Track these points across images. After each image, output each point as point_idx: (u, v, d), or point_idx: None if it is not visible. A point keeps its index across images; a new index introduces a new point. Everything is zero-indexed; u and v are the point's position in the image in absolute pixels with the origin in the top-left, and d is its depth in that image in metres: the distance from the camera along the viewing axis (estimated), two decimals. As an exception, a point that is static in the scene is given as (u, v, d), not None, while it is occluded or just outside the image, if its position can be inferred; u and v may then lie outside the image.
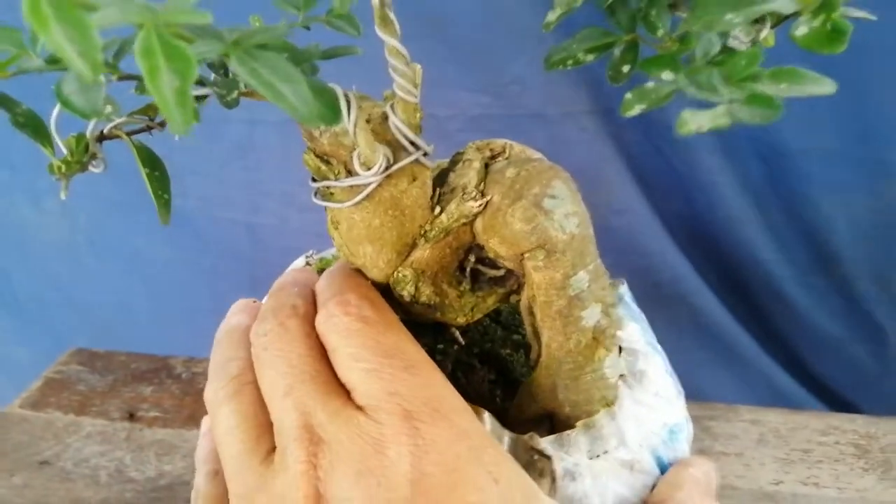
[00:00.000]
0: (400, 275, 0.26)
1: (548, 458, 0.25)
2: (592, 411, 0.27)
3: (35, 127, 0.23)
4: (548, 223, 0.24)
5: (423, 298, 0.27)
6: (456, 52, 0.62)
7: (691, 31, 0.18)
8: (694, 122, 0.17)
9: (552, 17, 0.23)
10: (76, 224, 0.77)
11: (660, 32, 0.19)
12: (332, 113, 0.21)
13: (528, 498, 0.23)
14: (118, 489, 0.40)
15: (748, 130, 0.62)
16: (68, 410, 0.46)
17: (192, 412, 0.45)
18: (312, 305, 0.26)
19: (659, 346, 0.32)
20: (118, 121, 0.24)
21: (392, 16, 0.22)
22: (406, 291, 0.26)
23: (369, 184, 0.24)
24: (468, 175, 0.25)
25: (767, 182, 0.65)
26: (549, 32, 0.27)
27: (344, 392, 0.23)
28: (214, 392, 0.26)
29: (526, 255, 0.25)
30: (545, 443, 0.26)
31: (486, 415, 0.25)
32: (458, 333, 0.32)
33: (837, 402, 0.72)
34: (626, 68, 0.19)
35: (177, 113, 0.15)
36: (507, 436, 0.25)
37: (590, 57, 0.21)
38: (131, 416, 0.45)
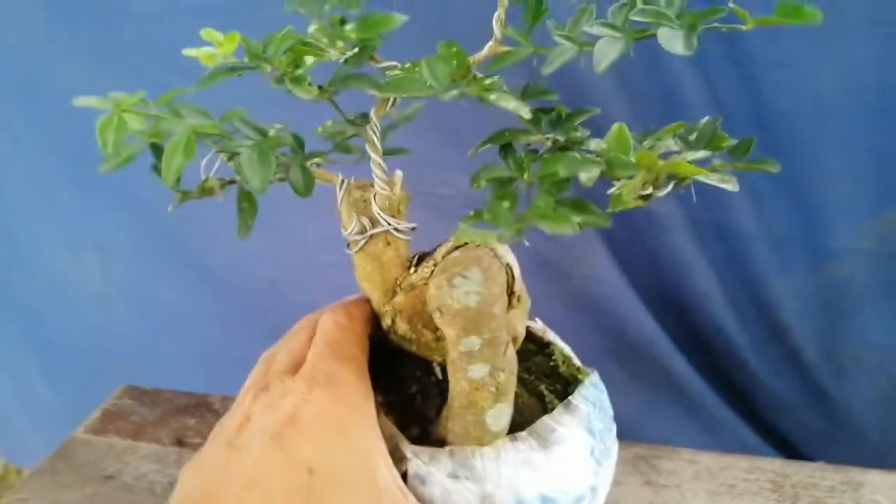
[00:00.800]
0: (384, 308, 0.38)
1: (404, 457, 0.35)
2: (464, 444, 0.35)
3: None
4: (447, 293, 0.34)
5: (400, 332, 0.38)
6: (455, 139, 0.72)
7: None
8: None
9: (470, 152, 0.36)
10: (110, 276, 0.88)
11: (525, 175, 0.31)
12: (305, 192, 0.35)
13: (365, 459, 0.33)
14: (173, 499, 0.51)
15: (711, 216, 0.74)
16: (125, 436, 0.57)
17: (230, 440, 0.56)
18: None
19: (604, 435, 0.38)
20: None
21: (378, 143, 0.35)
22: (385, 322, 0.38)
23: (358, 240, 0.37)
24: (439, 253, 0.37)
25: (727, 261, 0.75)
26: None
27: None
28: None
29: (433, 313, 0.35)
30: (411, 448, 0.35)
31: (387, 419, 0.37)
32: (437, 369, 0.42)
33: (796, 453, 0.81)
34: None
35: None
36: (397, 434, 0.36)
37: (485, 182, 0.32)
38: (179, 442, 0.56)
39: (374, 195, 0.36)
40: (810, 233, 0.72)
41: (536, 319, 0.45)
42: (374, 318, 0.39)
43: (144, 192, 0.82)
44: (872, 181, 0.68)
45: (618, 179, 0.29)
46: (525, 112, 0.27)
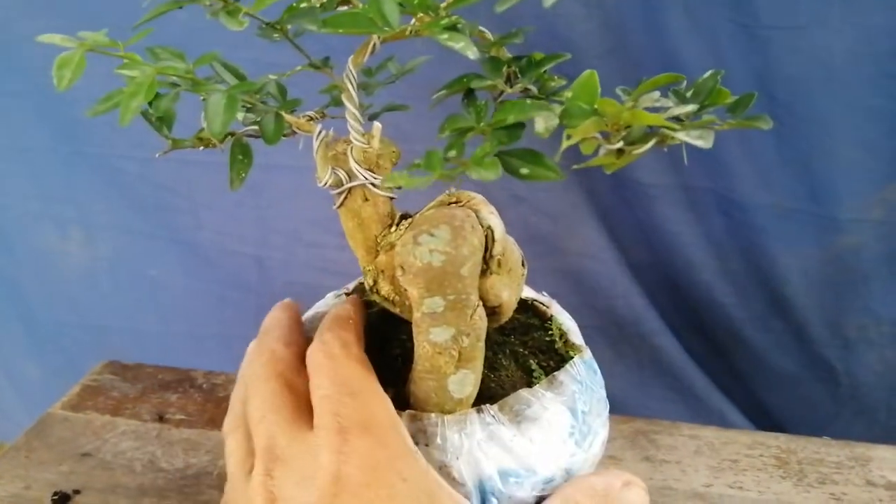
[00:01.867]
0: (367, 268, 0.36)
1: None
2: (426, 410, 0.34)
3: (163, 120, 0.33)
4: (410, 250, 0.32)
5: (383, 292, 0.36)
6: (446, 110, 0.71)
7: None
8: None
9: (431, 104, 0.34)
10: (97, 252, 0.86)
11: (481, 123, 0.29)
12: (272, 139, 0.32)
13: (431, 493, 0.30)
14: (151, 477, 0.48)
15: (712, 186, 0.72)
16: (104, 412, 0.55)
17: (212, 416, 0.54)
18: (292, 345, 0.35)
19: (589, 417, 0.36)
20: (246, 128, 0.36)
21: (353, 93, 0.32)
22: (367, 282, 0.36)
23: (335, 195, 0.35)
24: (421, 211, 0.35)
25: (727, 234, 0.73)
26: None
27: (310, 418, 0.31)
28: (226, 425, 0.35)
29: (396, 270, 0.33)
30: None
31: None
32: None
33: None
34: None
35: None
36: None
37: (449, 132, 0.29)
38: (160, 418, 0.54)
39: (351, 148, 0.34)
40: (817, 203, 0.70)
41: (543, 293, 0.43)
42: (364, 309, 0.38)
43: (130, 165, 0.80)
44: (883, 150, 0.66)
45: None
46: (472, 53, 0.24)
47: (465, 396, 0.34)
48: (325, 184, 0.34)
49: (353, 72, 0.33)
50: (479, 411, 0.34)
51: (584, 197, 0.74)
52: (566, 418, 0.34)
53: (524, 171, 0.26)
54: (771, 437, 0.51)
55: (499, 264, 0.34)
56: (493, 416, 0.34)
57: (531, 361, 0.39)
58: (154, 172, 0.80)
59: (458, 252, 0.32)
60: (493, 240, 0.34)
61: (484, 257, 0.33)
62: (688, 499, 0.46)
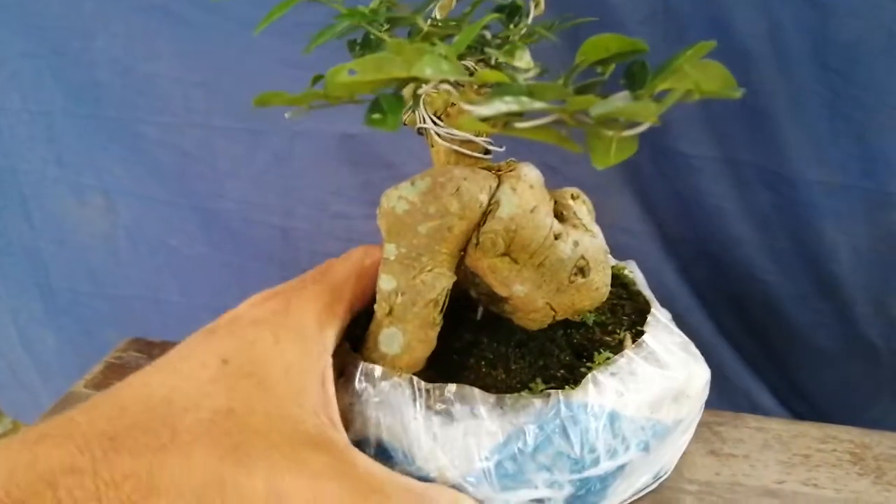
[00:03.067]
0: None
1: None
2: (370, 356, 0.34)
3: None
4: (387, 192, 0.32)
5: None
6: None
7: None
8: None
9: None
10: (117, 220, 0.81)
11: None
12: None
13: (283, 367, 0.29)
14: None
15: (758, 161, 0.67)
16: (130, 393, 0.51)
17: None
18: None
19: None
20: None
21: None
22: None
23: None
24: None
25: (773, 209, 0.69)
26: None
27: None
28: None
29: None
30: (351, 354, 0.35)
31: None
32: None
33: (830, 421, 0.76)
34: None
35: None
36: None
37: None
38: (189, 400, 0.50)
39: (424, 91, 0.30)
40: (869, 178, 0.65)
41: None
42: None
43: (152, 130, 0.75)
44: (944, 121, 0.61)
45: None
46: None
47: (392, 354, 0.32)
48: (403, 121, 0.32)
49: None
50: (410, 381, 0.32)
51: (620, 167, 0.69)
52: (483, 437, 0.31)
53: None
54: (843, 431, 0.46)
55: (505, 248, 0.31)
56: (413, 391, 0.31)
57: (562, 354, 0.36)
58: (176, 138, 0.75)
59: (424, 208, 0.31)
60: (493, 216, 0.31)
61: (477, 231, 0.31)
62: (760, 496, 0.41)
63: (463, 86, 0.27)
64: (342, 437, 0.29)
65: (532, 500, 0.31)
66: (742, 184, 0.68)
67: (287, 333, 0.30)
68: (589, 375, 0.32)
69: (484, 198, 0.31)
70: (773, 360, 0.78)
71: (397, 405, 0.31)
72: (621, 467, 0.32)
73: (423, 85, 0.23)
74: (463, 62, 0.27)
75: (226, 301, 0.82)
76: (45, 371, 0.93)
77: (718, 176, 0.68)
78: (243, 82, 0.69)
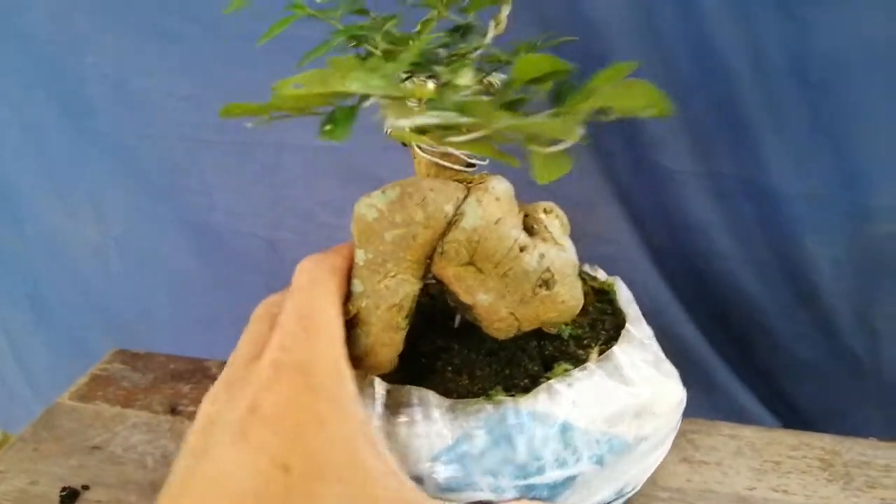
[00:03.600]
0: None
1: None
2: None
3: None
4: (361, 199, 0.34)
5: None
6: None
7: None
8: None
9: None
10: (107, 232, 0.82)
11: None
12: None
13: (350, 444, 0.28)
14: (164, 472, 0.44)
15: (738, 172, 0.68)
16: (114, 403, 0.51)
17: (228, 409, 0.51)
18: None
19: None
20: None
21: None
22: None
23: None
24: None
25: (755, 221, 0.69)
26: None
27: None
28: None
29: None
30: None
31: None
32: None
33: (816, 429, 0.77)
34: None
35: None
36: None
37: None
38: (173, 411, 0.51)
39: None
40: (850, 190, 0.65)
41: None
42: None
43: (142, 144, 0.76)
44: (922, 133, 0.62)
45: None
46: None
47: (357, 355, 0.33)
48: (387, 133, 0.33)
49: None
50: (371, 382, 0.34)
51: (605, 181, 0.70)
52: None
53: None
54: (815, 438, 0.47)
55: (468, 258, 0.32)
56: (374, 392, 0.33)
57: (530, 365, 0.37)
58: (165, 152, 0.76)
59: (391, 216, 0.32)
60: (456, 226, 0.32)
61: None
62: (731, 502, 0.42)
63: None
64: (414, 490, 0.29)
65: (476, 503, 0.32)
66: (724, 196, 0.69)
67: (327, 412, 0.28)
68: (543, 385, 0.33)
69: (450, 209, 0.32)
70: (759, 370, 0.78)
71: (366, 406, 0.33)
72: (571, 478, 0.32)
73: (368, 98, 0.24)
74: (415, 77, 0.28)
75: (215, 312, 0.83)
76: (35, 382, 0.94)
77: (701, 189, 0.69)
78: (232, 96, 0.70)
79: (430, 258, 0.33)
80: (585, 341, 0.38)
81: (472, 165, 0.36)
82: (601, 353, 0.36)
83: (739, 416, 0.76)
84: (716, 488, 0.43)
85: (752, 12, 0.60)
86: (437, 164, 0.35)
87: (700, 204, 0.69)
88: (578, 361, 0.36)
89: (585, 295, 0.38)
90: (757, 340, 0.76)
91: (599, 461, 0.33)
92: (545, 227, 0.35)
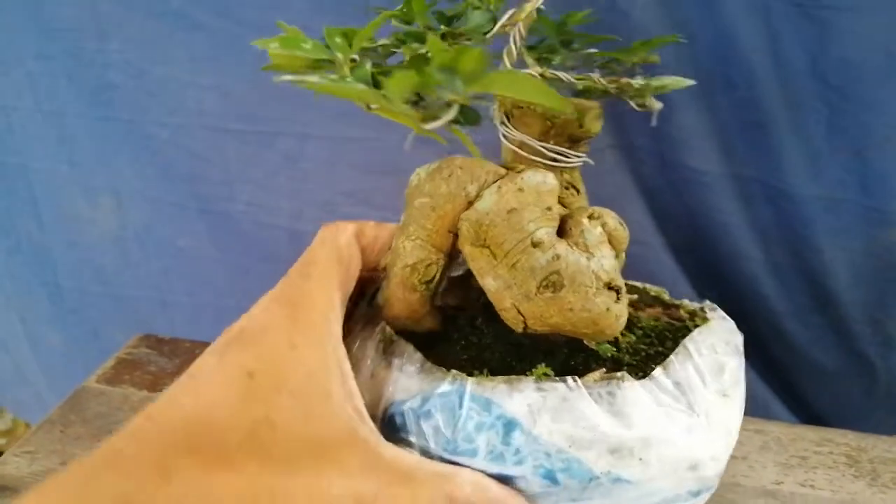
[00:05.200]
0: None
1: None
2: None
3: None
4: (417, 170, 0.36)
5: None
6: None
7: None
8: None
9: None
10: (126, 221, 0.82)
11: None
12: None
13: (316, 371, 0.30)
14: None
15: (760, 175, 0.68)
16: (141, 387, 0.52)
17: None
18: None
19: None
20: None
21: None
22: None
23: None
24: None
25: (774, 224, 0.70)
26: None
27: None
28: None
29: None
30: None
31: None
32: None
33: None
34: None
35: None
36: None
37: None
38: (200, 394, 0.51)
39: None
40: (867, 195, 0.66)
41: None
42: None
43: (163, 132, 0.76)
44: (941, 139, 0.62)
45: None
46: None
47: (379, 303, 0.37)
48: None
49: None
50: (382, 328, 0.36)
51: (631, 180, 0.71)
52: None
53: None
54: (839, 434, 0.47)
55: (477, 239, 0.33)
56: (377, 339, 0.36)
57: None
58: (187, 140, 0.76)
59: (423, 185, 0.34)
60: (472, 207, 0.34)
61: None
62: (758, 496, 0.42)
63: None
64: (368, 429, 0.31)
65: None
66: (745, 198, 0.70)
67: (301, 338, 0.31)
68: (513, 379, 0.32)
69: (472, 189, 0.33)
70: (777, 372, 0.78)
71: (371, 346, 0.36)
72: (509, 479, 0.32)
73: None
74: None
75: (232, 303, 0.83)
76: (49, 370, 0.94)
77: (724, 190, 0.69)
78: (254, 85, 0.70)
79: (454, 233, 0.34)
80: (625, 367, 0.35)
81: (556, 160, 0.37)
82: (601, 380, 0.33)
83: (764, 414, 0.76)
84: (743, 482, 0.44)
85: (773, 15, 0.61)
86: (515, 153, 0.37)
87: (722, 205, 0.70)
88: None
89: (633, 317, 0.38)
90: (774, 342, 0.76)
91: (550, 477, 0.32)
92: (581, 231, 0.34)
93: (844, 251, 0.70)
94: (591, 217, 0.35)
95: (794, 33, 0.61)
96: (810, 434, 0.47)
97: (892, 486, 0.43)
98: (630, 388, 0.32)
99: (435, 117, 0.25)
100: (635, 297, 0.43)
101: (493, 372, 0.34)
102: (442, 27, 0.36)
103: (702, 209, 0.71)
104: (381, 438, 0.31)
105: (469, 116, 0.25)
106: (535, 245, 0.33)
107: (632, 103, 0.38)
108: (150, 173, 0.79)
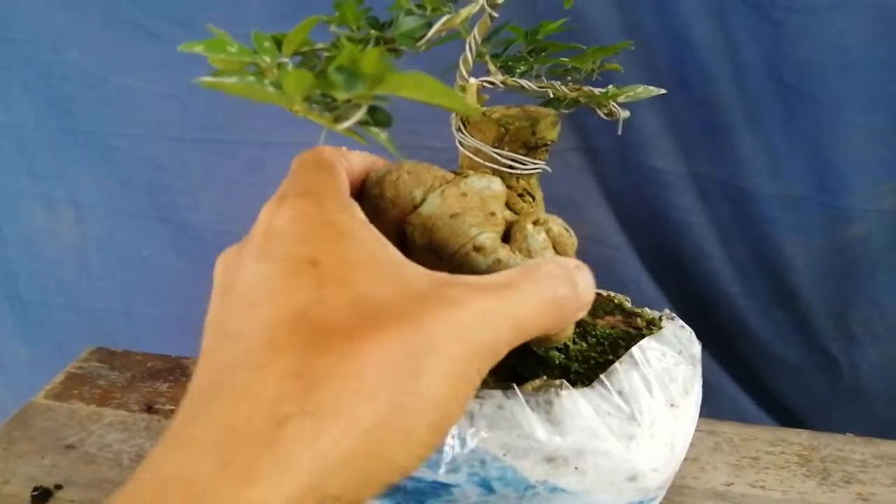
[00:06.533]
0: None
1: None
2: None
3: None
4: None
5: None
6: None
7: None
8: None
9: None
10: (87, 232, 0.81)
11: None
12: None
13: (370, 248, 0.26)
14: (139, 471, 0.44)
15: (719, 173, 0.68)
16: (90, 402, 0.50)
17: (205, 407, 0.50)
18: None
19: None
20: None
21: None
22: None
23: None
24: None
25: (734, 222, 0.70)
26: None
27: None
28: None
29: None
30: None
31: None
32: None
33: (798, 424, 0.77)
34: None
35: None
36: None
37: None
38: (149, 409, 0.50)
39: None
40: (825, 192, 0.66)
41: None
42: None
43: (122, 142, 0.75)
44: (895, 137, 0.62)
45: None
46: None
47: None
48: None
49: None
50: None
51: (594, 182, 0.71)
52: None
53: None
54: (793, 434, 0.47)
55: (423, 242, 0.33)
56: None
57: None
58: (147, 150, 0.75)
59: (374, 187, 0.34)
60: (416, 211, 0.33)
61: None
62: (707, 498, 0.42)
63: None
64: (441, 272, 0.27)
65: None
66: (706, 197, 0.70)
67: (340, 216, 0.27)
68: None
69: (418, 193, 0.33)
70: (743, 368, 0.78)
71: None
72: (444, 486, 0.31)
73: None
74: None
75: (198, 313, 0.82)
76: (14, 383, 0.92)
77: (685, 190, 0.69)
78: (214, 94, 0.69)
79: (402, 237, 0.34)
80: (572, 375, 0.34)
81: (512, 167, 0.36)
82: (540, 388, 0.33)
83: (731, 411, 0.76)
84: (693, 484, 0.43)
85: (729, 16, 0.61)
86: (470, 159, 0.36)
87: (684, 205, 0.70)
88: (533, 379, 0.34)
89: (588, 325, 0.37)
90: (739, 338, 0.76)
91: (485, 486, 0.31)
92: (525, 236, 0.34)
93: (805, 248, 0.70)
94: (535, 223, 0.34)
95: (750, 34, 0.61)
96: (764, 434, 0.47)
97: (842, 485, 0.43)
98: (568, 397, 0.31)
99: (345, 118, 0.24)
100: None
101: None
102: (372, 31, 0.35)
103: (664, 209, 0.71)
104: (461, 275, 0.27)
105: (378, 118, 0.24)
106: (476, 249, 0.33)
107: (599, 112, 0.37)
108: (111, 184, 0.78)
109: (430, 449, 0.22)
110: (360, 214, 0.28)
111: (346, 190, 0.30)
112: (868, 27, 0.59)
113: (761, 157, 0.66)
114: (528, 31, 0.38)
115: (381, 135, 0.26)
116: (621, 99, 0.37)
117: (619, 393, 0.32)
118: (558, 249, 0.35)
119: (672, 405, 0.34)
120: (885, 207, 0.66)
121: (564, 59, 0.39)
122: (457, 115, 0.36)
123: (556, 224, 0.35)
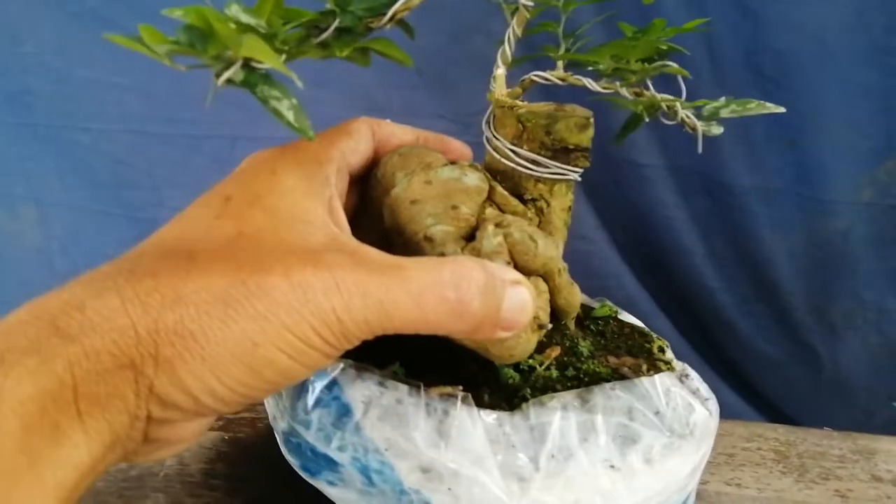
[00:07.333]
0: None
1: None
2: None
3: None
4: None
5: None
6: (430, 84, 0.66)
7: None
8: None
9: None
10: (51, 232, 0.79)
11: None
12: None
13: (285, 195, 0.28)
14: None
15: (698, 166, 0.67)
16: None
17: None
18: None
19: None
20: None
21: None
22: None
23: None
24: None
25: (713, 216, 0.69)
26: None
27: None
28: None
29: None
30: None
31: None
32: None
33: (779, 415, 0.76)
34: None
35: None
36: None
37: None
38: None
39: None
40: (804, 184, 0.66)
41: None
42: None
43: (85, 138, 0.73)
44: (875, 128, 0.62)
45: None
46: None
47: None
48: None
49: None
50: None
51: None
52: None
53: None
54: (769, 429, 0.46)
55: (389, 222, 0.35)
56: None
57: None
58: (110, 146, 0.73)
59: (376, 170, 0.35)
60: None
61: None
62: (682, 498, 0.41)
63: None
64: (355, 240, 0.28)
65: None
66: (685, 191, 0.69)
67: (285, 165, 0.29)
68: (364, 367, 0.33)
69: (400, 176, 0.33)
70: (726, 362, 0.78)
71: None
72: (333, 463, 0.31)
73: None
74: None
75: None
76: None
77: (664, 184, 0.69)
78: (179, 87, 0.68)
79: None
80: (517, 398, 0.32)
81: (530, 168, 0.35)
82: (444, 395, 0.31)
83: (721, 410, 0.76)
84: (668, 483, 0.42)
85: (707, 7, 0.60)
86: (491, 155, 0.36)
87: (664, 198, 0.69)
88: (497, 390, 0.33)
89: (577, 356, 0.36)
90: (721, 333, 0.76)
91: (366, 474, 0.30)
92: (482, 237, 0.32)
93: (784, 241, 0.69)
94: (497, 225, 0.33)
95: (728, 25, 0.61)
96: (739, 429, 0.46)
97: (820, 482, 0.42)
98: (466, 412, 0.30)
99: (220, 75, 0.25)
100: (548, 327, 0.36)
101: (406, 367, 0.33)
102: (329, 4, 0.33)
103: (644, 203, 0.70)
104: (369, 247, 0.28)
105: (252, 78, 0.25)
106: (426, 239, 0.32)
107: (687, 127, 0.36)
108: (73, 181, 0.75)
109: (245, 386, 0.24)
110: (322, 176, 0.29)
111: (335, 155, 0.31)
112: (843, 17, 0.59)
113: (739, 149, 0.66)
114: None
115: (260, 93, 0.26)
116: (726, 114, 0.36)
117: (531, 429, 0.30)
118: (515, 258, 0.32)
119: (611, 466, 0.30)
120: (865, 199, 0.66)
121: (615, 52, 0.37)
122: (491, 107, 0.36)
123: (520, 231, 0.33)
